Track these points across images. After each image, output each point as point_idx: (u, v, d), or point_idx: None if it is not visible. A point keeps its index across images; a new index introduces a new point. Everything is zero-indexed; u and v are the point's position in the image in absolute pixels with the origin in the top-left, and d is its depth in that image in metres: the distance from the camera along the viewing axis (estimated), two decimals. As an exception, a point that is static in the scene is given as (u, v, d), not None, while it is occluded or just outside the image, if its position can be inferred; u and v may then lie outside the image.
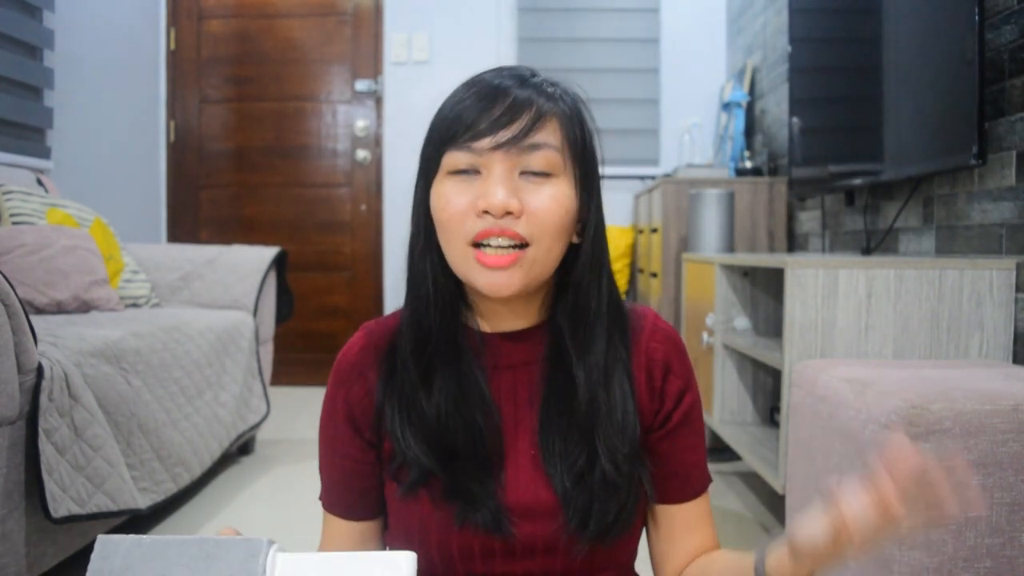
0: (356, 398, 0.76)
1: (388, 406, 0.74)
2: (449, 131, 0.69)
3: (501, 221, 0.67)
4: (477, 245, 0.68)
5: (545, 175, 0.69)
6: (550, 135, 0.69)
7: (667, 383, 0.76)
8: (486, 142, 0.67)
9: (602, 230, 0.75)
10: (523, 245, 0.68)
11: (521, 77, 0.71)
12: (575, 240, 0.74)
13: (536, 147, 0.68)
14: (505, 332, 0.76)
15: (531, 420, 0.74)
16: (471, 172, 0.68)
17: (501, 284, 0.68)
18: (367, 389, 0.76)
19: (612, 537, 0.71)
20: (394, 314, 0.79)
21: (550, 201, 0.68)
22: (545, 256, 0.69)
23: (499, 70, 0.72)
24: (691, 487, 0.77)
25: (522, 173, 0.68)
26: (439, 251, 0.72)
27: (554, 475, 0.71)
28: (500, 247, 0.67)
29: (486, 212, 0.67)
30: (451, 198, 0.68)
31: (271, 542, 0.52)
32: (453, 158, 0.69)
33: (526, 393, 0.75)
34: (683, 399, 0.76)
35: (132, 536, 0.51)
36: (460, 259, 0.69)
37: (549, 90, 0.71)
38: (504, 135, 0.67)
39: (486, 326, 0.76)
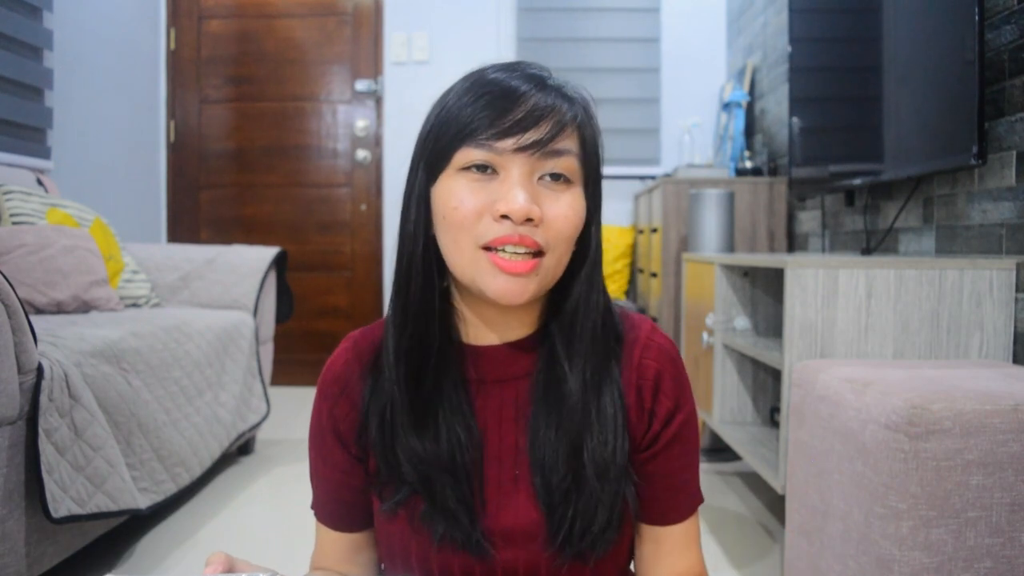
0: (341, 413, 0.74)
1: (373, 421, 0.72)
2: (467, 126, 0.65)
3: (520, 228, 0.63)
4: (489, 249, 0.65)
5: (565, 182, 0.66)
6: (571, 141, 0.67)
7: (657, 403, 0.72)
8: (509, 143, 0.64)
9: (599, 234, 0.72)
10: (539, 253, 0.65)
11: (540, 78, 0.68)
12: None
13: (559, 153, 0.65)
14: (494, 344, 0.73)
15: (515, 438, 0.71)
16: (487, 170, 0.65)
17: (516, 292, 0.64)
18: (352, 404, 0.74)
19: (595, 557, 0.69)
20: (379, 323, 0.76)
21: (568, 210, 0.66)
22: (556, 265, 0.67)
23: (511, 68, 0.68)
24: (677, 510, 0.74)
25: (540, 179, 0.66)
26: (437, 251, 0.69)
27: (541, 492, 0.69)
28: (516, 254, 0.64)
29: (504, 217, 0.63)
30: (464, 198, 0.65)
31: (274, 574, 0.51)
32: (468, 154, 0.65)
33: (512, 411, 0.72)
34: (673, 419, 0.72)
35: None
36: (469, 262, 0.65)
37: (569, 94, 0.68)
38: (529, 137, 0.64)
39: (470, 337, 0.73)
